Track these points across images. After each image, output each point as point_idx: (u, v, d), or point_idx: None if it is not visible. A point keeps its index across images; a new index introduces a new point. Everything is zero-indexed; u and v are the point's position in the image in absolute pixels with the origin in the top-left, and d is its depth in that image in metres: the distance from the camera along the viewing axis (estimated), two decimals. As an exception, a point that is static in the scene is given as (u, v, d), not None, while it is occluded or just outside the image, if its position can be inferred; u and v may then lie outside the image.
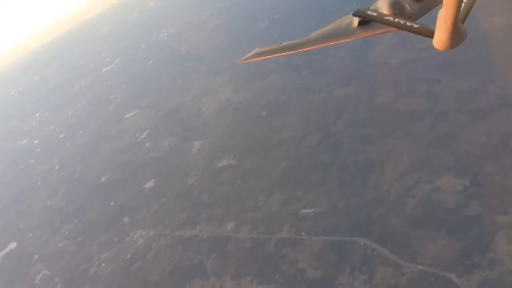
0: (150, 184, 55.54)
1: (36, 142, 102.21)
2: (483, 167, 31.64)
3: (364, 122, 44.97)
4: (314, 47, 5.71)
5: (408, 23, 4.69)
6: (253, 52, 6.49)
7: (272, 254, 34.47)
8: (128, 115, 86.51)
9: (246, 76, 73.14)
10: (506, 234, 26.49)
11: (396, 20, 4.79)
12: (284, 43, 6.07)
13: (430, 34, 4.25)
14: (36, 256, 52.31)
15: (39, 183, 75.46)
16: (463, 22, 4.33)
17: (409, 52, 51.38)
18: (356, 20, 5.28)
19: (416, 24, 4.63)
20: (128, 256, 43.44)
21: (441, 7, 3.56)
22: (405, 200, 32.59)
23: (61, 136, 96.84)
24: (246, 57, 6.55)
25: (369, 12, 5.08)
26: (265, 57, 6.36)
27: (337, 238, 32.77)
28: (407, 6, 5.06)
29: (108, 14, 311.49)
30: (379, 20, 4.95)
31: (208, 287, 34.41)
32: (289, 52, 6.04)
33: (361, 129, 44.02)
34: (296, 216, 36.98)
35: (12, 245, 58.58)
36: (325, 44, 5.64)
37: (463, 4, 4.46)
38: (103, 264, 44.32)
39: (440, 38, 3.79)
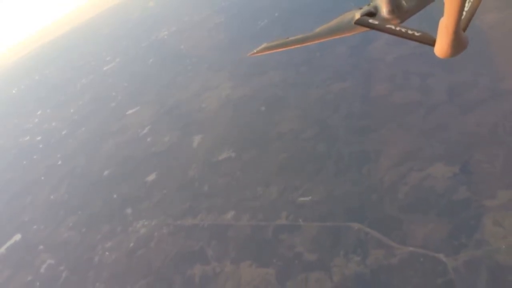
0: (152, 176, 56.89)
1: (38, 138, 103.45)
2: (472, 155, 33.09)
3: (360, 115, 46.40)
4: (318, 41, 6.08)
5: (410, 31, 4.87)
6: (261, 46, 6.85)
7: (270, 239, 35.88)
8: (130, 111, 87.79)
9: (245, 74, 74.43)
10: (492, 216, 27.92)
11: (398, 28, 5.03)
12: (291, 38, 6.38)
13: (432, 42, 4.32)
14: (41, 247, 53.66)
15: (42, 177, 76.74)
16: (464, 30, 4.42)
17: (404, 49, 52.75)
18: (357, 16, 5.61)
19: (418, 32, 4.80)
20: (131, 244, 44.81)
21: (443, 15, 3.69)
22: (398, 187, 34.03)
23: (63, 132, 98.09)
24: (255, 51, 6.88)
25: (370, 21, 5.36)
26: (273, 50, 6.69)
27: (332, 224, 34.19)
28: (403, 2, 5.32)
29: (109, 14, 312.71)
30: (381, 29, 5.20)
31: (209, 271, 35.82)
32: (296, 46, 6.37)
33: (357, 122, 45.44)
34: (294, 204, 38.40)
35: (17, 237, 59.94)
36: (329, 38, 6.05)
37: (464, 12, 4.56)
38: (107, 253, 45.68)
39: (441, 46, 3.89)
